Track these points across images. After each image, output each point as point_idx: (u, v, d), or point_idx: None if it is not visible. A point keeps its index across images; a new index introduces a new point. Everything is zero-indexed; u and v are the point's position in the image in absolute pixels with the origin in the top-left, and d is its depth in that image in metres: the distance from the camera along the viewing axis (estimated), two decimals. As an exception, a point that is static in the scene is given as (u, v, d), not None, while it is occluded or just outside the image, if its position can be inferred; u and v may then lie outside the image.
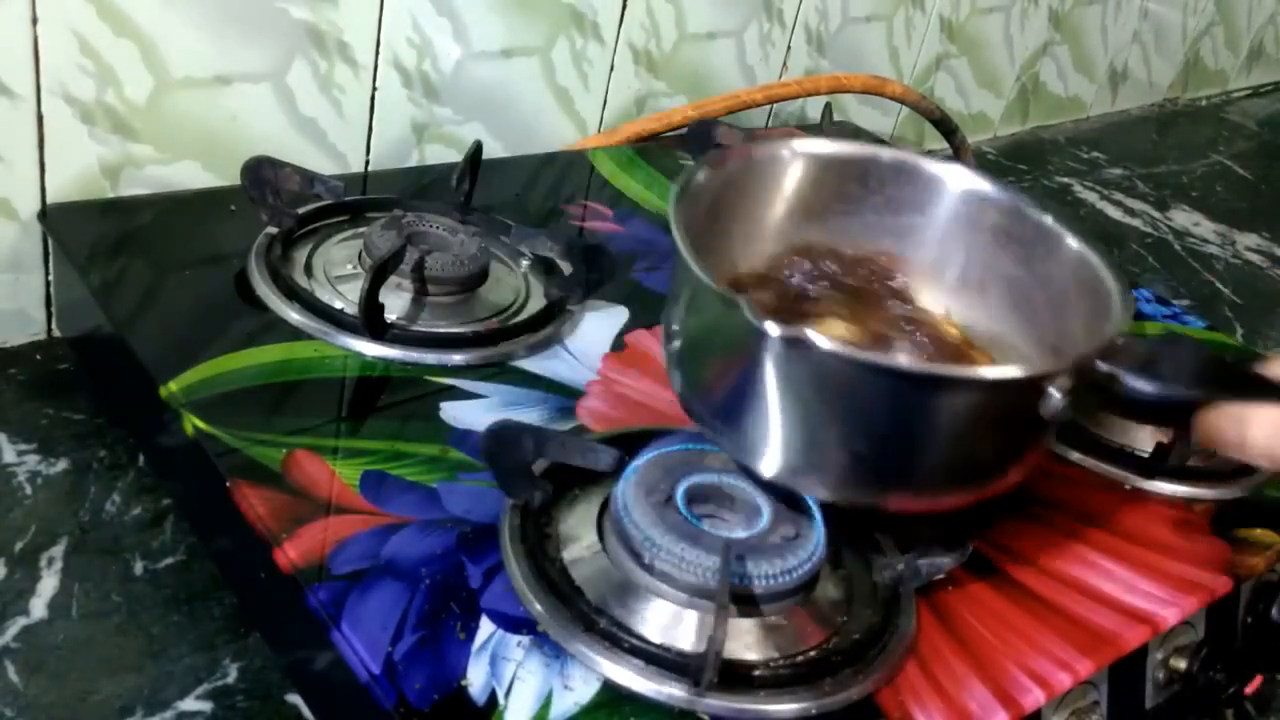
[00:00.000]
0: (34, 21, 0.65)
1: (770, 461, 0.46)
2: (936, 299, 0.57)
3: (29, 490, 0.61)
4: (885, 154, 0.56)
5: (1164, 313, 0.87)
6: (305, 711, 0.53)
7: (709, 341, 0.47)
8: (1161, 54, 1.67)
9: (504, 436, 0.53)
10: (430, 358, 0.63)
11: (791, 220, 0.56)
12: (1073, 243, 0.52)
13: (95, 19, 0.67)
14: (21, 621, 0.55)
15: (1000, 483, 0.47)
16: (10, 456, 0.63)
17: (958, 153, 1.13)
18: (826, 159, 0.56)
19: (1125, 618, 0.56)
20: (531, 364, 0.65)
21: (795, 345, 0.42)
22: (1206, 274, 1.22)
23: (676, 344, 0.50)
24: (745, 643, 0.50)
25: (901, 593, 0.53)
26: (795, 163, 0.55)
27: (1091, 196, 1.35)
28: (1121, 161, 1.48)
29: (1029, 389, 0.45)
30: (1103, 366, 0.47)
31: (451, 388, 0.62)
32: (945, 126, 1.12)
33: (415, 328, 0.65)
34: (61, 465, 0.63)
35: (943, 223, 0.56)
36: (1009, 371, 0.50)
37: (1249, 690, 0.62)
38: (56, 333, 0.73)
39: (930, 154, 0.57)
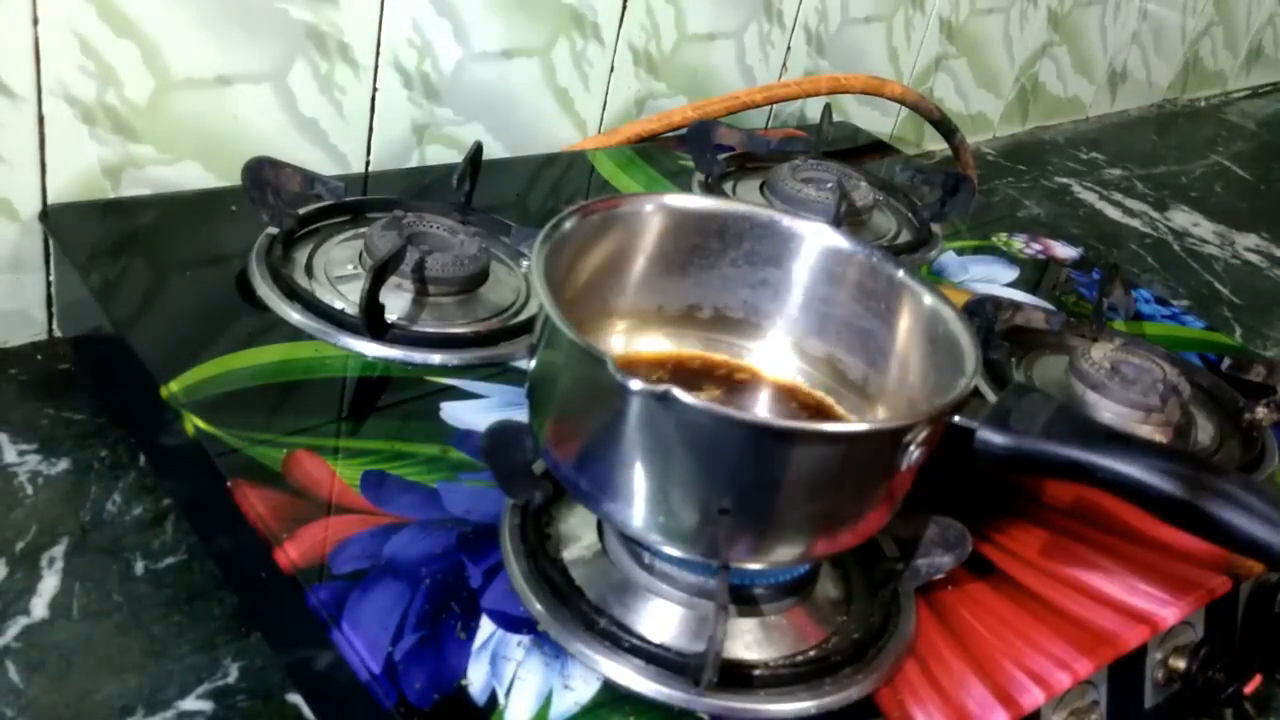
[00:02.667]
0: (35, 22, 0.65)
1: (644, 523, 0.47)
2: (792, 352, 0.58)
3: (30, 490, 0.62)
4: (744, 209, 0.58)
5: (1163, 313, 0.88)
6: (306, 711, 0.53)
7: (571, 397, 0.48)
8: (1161, 55, 1.67)
9: (504, 436, 0.53)
10: (430, 358, 0.63)
11: (654, 272, 0.57)
12: (927, 299, 0.53)
13: (96, 19, 0.67)
14: (22, 621, 0.55)
15: (859, 532, 0.49)
16: (11, 456, 0.63)
17: (957, 153, 1.13)
18: (687, 213, 0.57)
19: (1125, 617, 0.56)
20: (532, 364, 0.65)
21: (659, 401, 0.42)
22: (1205, 274, 1.22)
23: (539, 398, 0.50)
24: (745, 642, 0.50)
25: (901, 592, 0.54)
26: (657, 216, 0.56)
27: (1091, 197, 1.35)
28: (1121, 162, 1.48)
29: (886, 442, 0.46)
30: (956, 420, 0.48)
31: (452, 388, 0.62)
32: (945, 127, 1.12)
33: (416, 328, 0.65)
34: (62, 465, 0.64)
35: (800, 277, 0.58)
36: (867, 426, 0.51)
37: (1248, 690, 0.62)
38: (58, 333, 0.73)
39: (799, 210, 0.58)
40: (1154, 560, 0.60)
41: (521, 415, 0.52)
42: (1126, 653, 0.56)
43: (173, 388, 0.57)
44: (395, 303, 0.65)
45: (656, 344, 0.58)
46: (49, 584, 0.57)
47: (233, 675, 0.55)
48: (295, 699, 0.54)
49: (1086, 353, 0.71)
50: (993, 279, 0.86)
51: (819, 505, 0.46)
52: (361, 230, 0.71)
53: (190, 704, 0.53)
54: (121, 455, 0.65)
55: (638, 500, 0.46)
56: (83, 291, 0.64)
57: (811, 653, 0.50)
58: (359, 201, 0.74)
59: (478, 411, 0.60)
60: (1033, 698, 0.51)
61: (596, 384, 0.44)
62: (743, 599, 0.51)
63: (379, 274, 0.62)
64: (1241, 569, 0.61)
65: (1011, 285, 0.86)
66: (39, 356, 0.71)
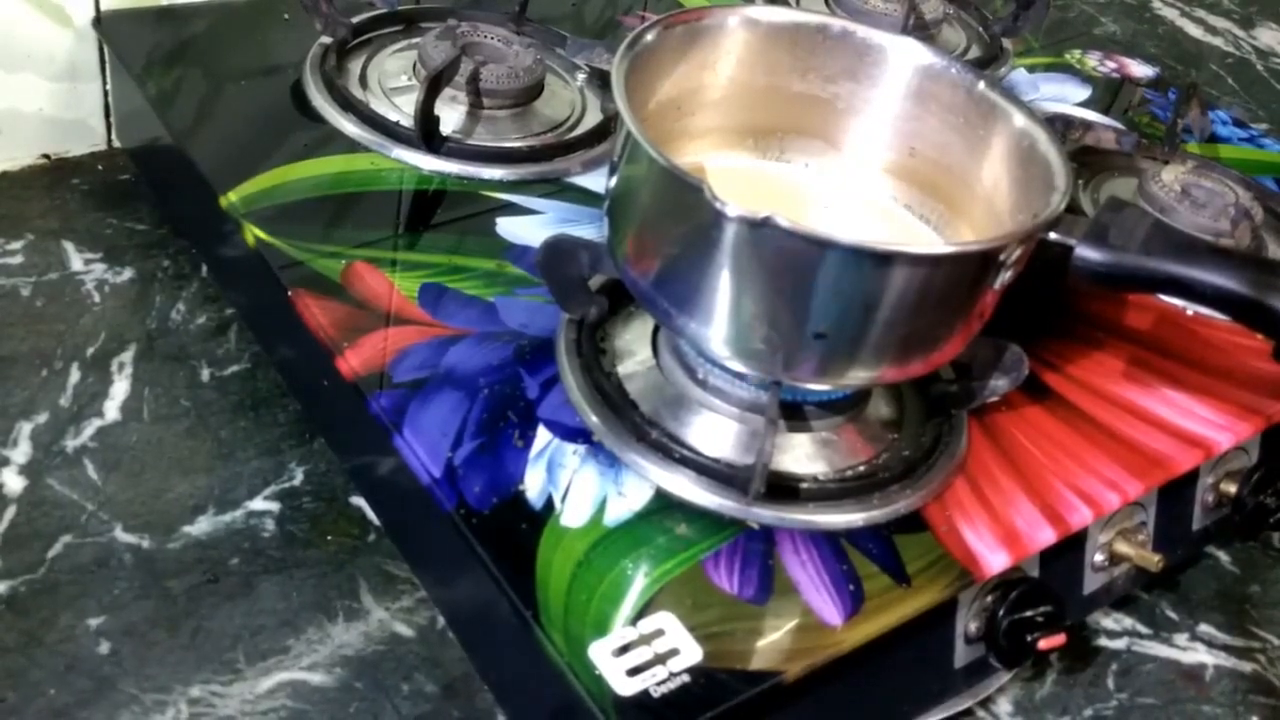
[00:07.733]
0: None
1: (726, 344, 0.47)
2: (875, 171, 0.57)
3: (97, 298, 0.63)
4: (831, 23, 0.55)
5: (1240, 136, 0.84)
6: (369, 514, 0.55)
7: (658, 219, 0.47)
8: None
9: (560, 251, 0.53)
10: (486, 172, 0.63)
11: (734, 88, 0.55)
12: (1016, 116, 0.52)
13: None
14: (97, 423, 0.57)
15: (943, 353, 0.48)
16: (78, 264, 0.64)
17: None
18: (771, 26, 0.55)
19: (1179, 441, 0.56)
20: (587, 180, 0.64)
21: (756, 228, 0.42)
22: (1289, 97, 1.17)
23: (620, 216, 0.49)
24: (795, 457, 0.50)
25: (954, 413, 0.54)
26: (740, 29, 0.54)
27: (1171, 14, 1.29)
28: (1207, -25, 1.40)
29: (982, 262, 0.45)
30: (1053, 236, 0.47)
31: (508, 204, 0.62)
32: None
33: (471, 141, 0.64)
34: (127, 274, 0.65)
35: (884, 94, 0.55)
36: (968, 245, 0.50)
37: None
38: (116, 143, 0.73)
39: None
40: (1214, 386, 0.59)
41: (577, 231, 0.52)
42: (1178, 476, 0.56)
43: (232, 198, 0.58)
44: (449, 115, 0.64)
45: (733, 162, 0.57)
46: (120, 388, 0.59)
47: (298, 478, 0.57)
48: (358, 501, 0.56)
49: (1157, 175, 0.69)
50: (1064, 98, 0.83)
51: (911, 327, 0.46)
52: (415, 40, 0.70)
53: (259, 504, 0.55)
54: (184, 265, 0.66)
55: (720, 322, 0.46)
56: (139, 101, 0.64)
57: (861, 468, 0.51)
58: (412, 10, 0.73)
59: (534, 227, 0.60)
60: (1081, 517, 0.52)
61: (687, 207, 0.44)
62: (795, 415, 0.51)
63: (433, 85, 0.61)
64: (1302, 396, 0.60)
65: (1083, 105, 0.83)
66: (100, 167, 0.72)
